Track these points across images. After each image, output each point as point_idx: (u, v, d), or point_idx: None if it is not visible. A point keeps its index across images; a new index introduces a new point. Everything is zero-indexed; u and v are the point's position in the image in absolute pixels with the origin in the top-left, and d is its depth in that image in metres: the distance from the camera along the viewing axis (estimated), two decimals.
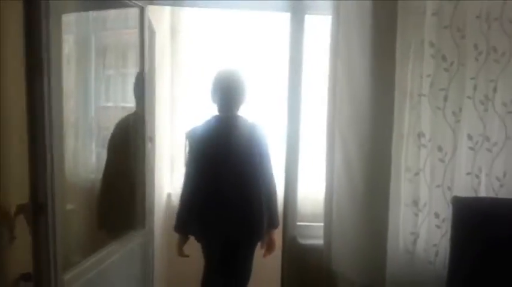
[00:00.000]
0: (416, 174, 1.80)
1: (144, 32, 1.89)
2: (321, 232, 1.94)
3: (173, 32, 2.88)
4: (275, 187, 2.35)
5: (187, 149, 2.29)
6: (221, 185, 2.22)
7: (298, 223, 2.08)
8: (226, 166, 2.20)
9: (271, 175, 2.33)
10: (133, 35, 2.02)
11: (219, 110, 2.29)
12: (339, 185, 1.85)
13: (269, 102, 2.88)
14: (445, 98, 1.77)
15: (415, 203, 1.81)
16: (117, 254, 1.69)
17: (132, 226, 1.89)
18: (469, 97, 1.80)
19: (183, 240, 2.34)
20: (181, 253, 2.34)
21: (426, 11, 1.77)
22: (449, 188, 1.80)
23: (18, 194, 1.31)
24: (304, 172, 2.28)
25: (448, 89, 1.78)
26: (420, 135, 1.79)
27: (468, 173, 1.82)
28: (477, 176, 1.82)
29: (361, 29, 1.77)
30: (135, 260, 1.88)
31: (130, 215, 1.89)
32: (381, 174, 1.78)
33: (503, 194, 1.82)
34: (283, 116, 2.11)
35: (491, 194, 1.83)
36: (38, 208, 1.29)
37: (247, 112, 2.42)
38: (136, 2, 1.84)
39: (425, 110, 1.79)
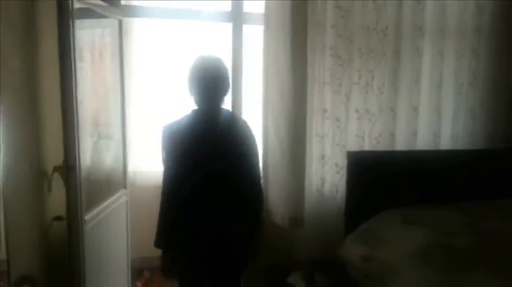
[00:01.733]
0: (323, 137, 2.53)
1: (122, 40, 2.37)
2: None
3: (126, 30, 3.24)
4: (262, 199, 1.95)
5: (163, 149, 1.89)
6: (205, 192, 1.80)
7: None
8: (211, 168, 1.77)
9: (259, 179, 1.93)
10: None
11: (199, 103, 1.84)
12: (272, 148, 2.48)
13: None
14: (340, 85, 2.51)
15: (322, 157, 2.55)
16: (113, 205, 2.28)
17: (120, 187, 2.46)
18: (355, 83, 2.55)
19: (168, 257, 1.87)
20: (168, 274, 1.90)
21: (326, 24, 2.48)
22: (344, 146, 2.55)
23: (55, 158, 1.85)
24: None
25: (342, 78, 2.51)
26: (324, 111, 2.52)
27: (356, 135, 2.58)
28: (362, 137, 2.59)
29: (284, 36, 2.39)
30: (122, 211, 2.45)
31: (119, 179, 2.45)
32: (300, 139, 2.45)
33: (379, 148, 2.62)
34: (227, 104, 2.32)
35: (372, 149, 2.61)
36: (69, 168, 1.82)
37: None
38: (115, 16, 2.35)
39: (327, 93, 2.51)
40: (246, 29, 2.55)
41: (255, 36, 2.58)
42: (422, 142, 2.67)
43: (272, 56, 2.44)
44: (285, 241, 2.56)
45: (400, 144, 2.64)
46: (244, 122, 1.94)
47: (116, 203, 2.33)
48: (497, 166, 2.63)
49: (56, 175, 1.84)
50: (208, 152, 1.78)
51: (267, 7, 2.45)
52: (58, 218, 1.90)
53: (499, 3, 2.66)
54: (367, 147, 2.61)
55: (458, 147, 2.74)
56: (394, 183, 2.47)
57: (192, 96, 1.87)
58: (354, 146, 2.57)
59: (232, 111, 2.05)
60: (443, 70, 2.65)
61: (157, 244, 1.89)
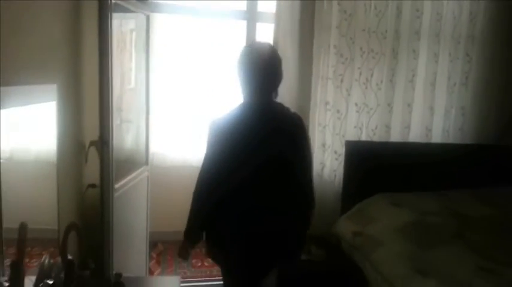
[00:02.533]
0: (324, 127, 2.79)
1: (149, 34, 2.67)
2: None
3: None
4: (313, 202, 1.89)
5: (208, 145, 1.73)
6: (255, 192, 1.66)
7: None
8: (261, 168, 1.63)
9: (311, 181, 1.85)
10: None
11: (249, 95, 1.70)
12: None
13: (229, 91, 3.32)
14: (342, 80, 2.76)
15: (323, 145, 2.80)
16: (137, 178, 2.60)
17: (143, 163, 2.77)
18: (356, 80, 2.80)
19: (191, 245, 1.86)
20: (185, 255, 1.86)
21: (331, 25, 2.72)
22: (343, 136, 2.80)
23: (91, 134, 2.16)
24: None
25: (344, 74, 2.76)
26: (327, 103, 2.77)
27: (355, 127, 2.83)
28: (360, 129, 2.84)
29: (293, 34, 2.65)
30: (144, 184, 2.77)
31: (142, 156, 2.77)
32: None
33: (375, 139, 2.86)
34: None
35: (368, 139, 2.85)
36: (104, 143, 2.15)
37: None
38: (143, 11, 2.64)
39: (330, 88, 2.76)
40: (260, 26, 2.80)
41: (267, 34, 2.82)
42: (415, 135, 2.91)
43: (281, 52, 2.65)
44: None
45: (395, 136, 2.88)
46: (299, 119, 1.79)
47: (139, 177, 2.65)
48: (484, 160, 2.86)
49: (92, 149, 2.17)
50: (259, 150, 1.61)
51: (278, 7, 2.70)
52: (92, 185, 2.23)
53: (491, 12, 2.89)
54: (364, 137, 2.85)
55: (449, 141, 2.97)
56: (387, 171, 2.70)
57: (241, 88, 1.71)
58: (352, 136, 2.82)
59: (286, 105, 1.82)
60: (438, 71, 2.89)
61: (187, 234, 1.82)
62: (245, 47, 1.75)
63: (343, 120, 2.81)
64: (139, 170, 2.67)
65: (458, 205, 2.52)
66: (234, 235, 1.71)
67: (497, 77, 2.97)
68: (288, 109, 1.79)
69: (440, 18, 2.86)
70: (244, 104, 1.73)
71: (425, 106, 2.92)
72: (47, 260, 1.58)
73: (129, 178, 2.48)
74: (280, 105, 1.79)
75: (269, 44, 1.75)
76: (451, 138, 2.98)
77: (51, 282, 1.38)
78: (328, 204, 2.84)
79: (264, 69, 1.67)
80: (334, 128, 2.80)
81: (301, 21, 2.67)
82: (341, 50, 2.73)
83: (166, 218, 3.53)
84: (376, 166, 2.68)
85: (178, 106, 3.69)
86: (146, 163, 2.82)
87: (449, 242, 2.09)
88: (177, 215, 3.70)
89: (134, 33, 2.79)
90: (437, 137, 2.96)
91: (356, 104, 2.82)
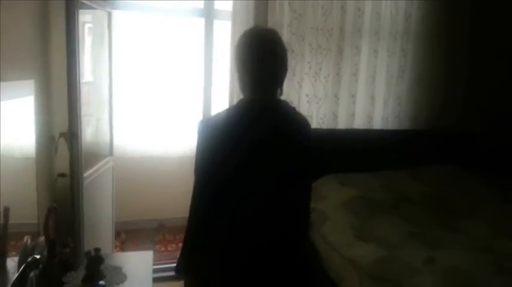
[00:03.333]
0: None
1: (111, 32, 2.80)
2: None
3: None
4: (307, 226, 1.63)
5: (198, 151, 1.42)
6: (256, 209, 1.40)
7: None
8: (263, 179, 1.39)
9: (310, 202, 1.61)
10: None
11: (249, 91, 1.41)
12: None
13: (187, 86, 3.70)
14: (294, 74, 3.02)
15: None
16: (104, 167, 2.74)
17: (108, 154, 2.91)
18: (306, 73, 3.07)
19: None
20: None
21: (283, 24, 2.96)
22: None
23: (60, 126, 2.29)
24: None
25: (295, 68, 3.03)
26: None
27: (306, 116, 3.10)
28: (311, 117, 3.10)
29: None
30: (109, 174, 2.91)
31: (107, 147, 2.91)
32: None
33: (324, 126, 3.15)
34: (198, 92, 2.96)
35: (318, 127, 3.13)
36: (73, 135, 2.28)
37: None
38: (104, 8, 2.76)
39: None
40: (217, 24, 3.00)
41: (224, 31, 3.05)
42: (359, 123, 3.24)
43: None
44: None
45: (341, 123, 3.19)
46: (307, 123, 1.57)
47: (106, 166, 2.80)
48: (419, 143, 3.23)
49: (62, 140, 2.30)
50: (260, 158, 1.36)
51: (234, 6, 2.91)
52: (62, 175, 2.36)
53: (424, 11, 3.26)
54: (314, 125, 3.10)
55: (388, 127, 3.32)
56: (335, 154, 2.92)
57: (239, 82, 1.43)
58: None
59: (292, 104, 1.58)
60: (377, 65, 3.22)
61: (179, 268, 1.49)
62: (245, 33, 1.43)
63: None
64: (105, 160, 2.82)
65: (396, 182, 2.87)
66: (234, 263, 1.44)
67: (428, 70, 3.34)
68: (294, 109, 1.55)
69: (380, 17, 3.18)
70: (242, 102, 1.44)
71: (367, 97, 3.25)
72: (29, 241, 1.73)
73: (96, 167, 2.63)
74: (287, 104, 1.52)
75: (273, 30, 1.46)
76: (390, 125, 3.33)
77: (38, 257, 1.53)
78: None
79: (267, 60, 1.38)
80: None
81: (255, 19, 2.89)
82: (292, 46, 2.98)
83: (128, 208, 3.68)
84: (325, 150, 2.87)
85: (136, 100, 3.83)
86: (111, 153, 2.96)
87: (385, 213, 2.43)
88: (138, 205, 3.91)
89: (95, 30, 2.90)
90: (377, 124, 3.30)
91: (307, 95, 3.09)
